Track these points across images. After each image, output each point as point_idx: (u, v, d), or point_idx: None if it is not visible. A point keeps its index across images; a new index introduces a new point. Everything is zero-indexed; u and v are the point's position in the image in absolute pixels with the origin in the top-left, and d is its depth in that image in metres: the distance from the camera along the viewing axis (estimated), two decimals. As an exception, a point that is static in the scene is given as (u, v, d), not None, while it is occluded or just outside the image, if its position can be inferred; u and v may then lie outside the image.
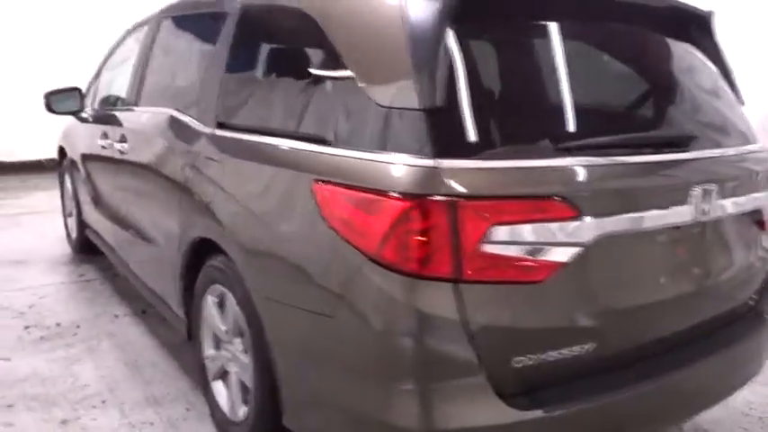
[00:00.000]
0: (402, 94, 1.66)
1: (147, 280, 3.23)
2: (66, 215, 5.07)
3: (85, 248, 4.70)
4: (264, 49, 2.41)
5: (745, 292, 2.27)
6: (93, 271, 4.51)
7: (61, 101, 4.21)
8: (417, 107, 1.62)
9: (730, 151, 2.09)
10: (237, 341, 2.32)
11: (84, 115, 4.24)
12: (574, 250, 1.65)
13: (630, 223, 1.75)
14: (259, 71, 2.37)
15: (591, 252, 1.68)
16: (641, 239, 1.82)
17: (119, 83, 3.80)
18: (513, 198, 1.62)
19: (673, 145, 1.92)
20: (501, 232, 1.58)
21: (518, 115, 1.78)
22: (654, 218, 1.79)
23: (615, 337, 1.85)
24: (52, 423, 2.60)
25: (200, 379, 2.64)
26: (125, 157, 3.26)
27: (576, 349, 1.75)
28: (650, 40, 2.14)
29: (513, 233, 1.59)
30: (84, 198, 4.31)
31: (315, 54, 2.09)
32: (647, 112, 2.08)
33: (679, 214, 1.85)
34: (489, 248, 1.58)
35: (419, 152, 1.60)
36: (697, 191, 1.87)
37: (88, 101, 4.29)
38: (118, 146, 3.35)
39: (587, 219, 1.66)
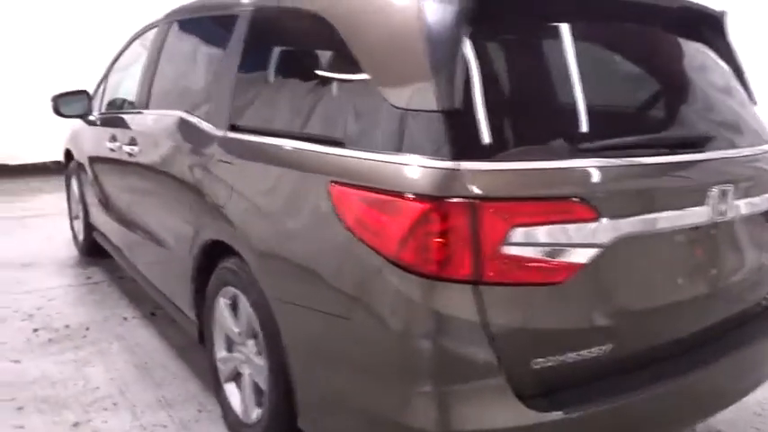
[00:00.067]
0: (420, 96, 1.66)
1: (157, 282, 3.23)
2: (72, 218, 5.07)
3: (92, 251, 4.70)
4: (277, 51, 2.41)
5: (758, 292, 2.27)
6: (101, 273, 4.51)
7: (69, 104, 4.21)
8: (436, 109, 1.62)
9: (745, 151, 2.09)
10: (251, 343, 2.31)
11: (91, 118, 4.24)
12: (593, 251, 1.65)
13: (649, 224, 1.74)
14: (272, 74, 2.36)
15: (609, 253, 1.68)
16: (659, 240, 1.81)
17: (127, 86, 3.81)
18: (532, 199, 1.61)
19: (690, 145, 1.92)
20: (521, 234, 1.57)
21: (536, 117, 1.77)
22: (672, 218, 1.79)
23: (631, 338, 1.84)
24: (63, 426, 2.59)
25: (213, 381, 2.63)
26: (135, 159, 3.26)
27: (594, 350, 1.74)
28: (664, 41, 2.14)
29: (533, 235, 1.58)
30: (92, 200, 4.31)
31: (330, 57, 2.08)
32: (664, 112, 2.07)
33: (697, 215, 1.85)
34: (509, 250, 1.57)
35: (438, 154, 1.59)
36: (714, 191, 1.86)
37: (95, 104, 4.29)
38: (127, 148, 3.35)
39: (606, 220, 1.66)
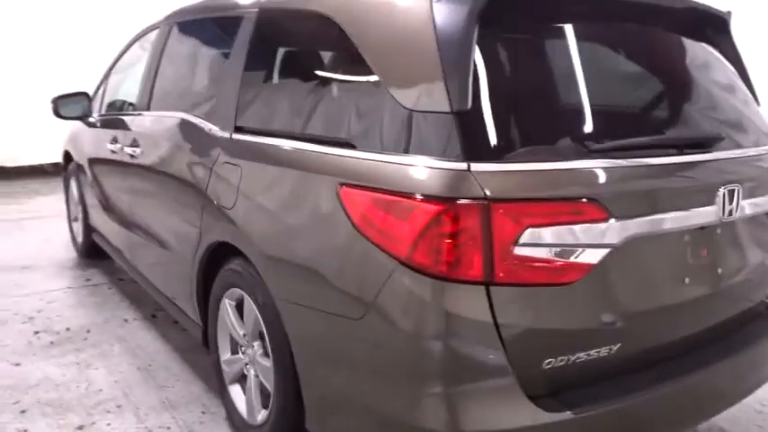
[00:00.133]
0: (432, 97, 1.66)
1: (160, 284, 3.22)
2: (71, 220, 5.05)
3: (91, 253, 4.69)
4: (284, 53, 2.41)
5: (760, 292, 2.28)
6: (100, 275, 4.49)
7: (69, 106, 4.20)
8: (448, 110, 1.62)
9: (750, 151, 2.10)
10: (257, 344, 2.31)
11: (91, 120, 4.22)
12: (603, 252, 1.66)
13: (659, 224, 1.75)
14: (279, 76, 2.36)
15: (620, 253, 1.68)
16: (667, 240, 1.82)
17: (128, 87, 3.80)
18: (543, 200, 1.62)
19: (698, 146, 1.93)
20: (533, 234, 1.57)
21: (547, 118, 1.78)
22: (681, 219, 1.80)
23: (639, 337, 1.85)
24: (67, 428, 2.58)
25: (217, 383, 2.63)
26: (137, 161, 3.25)
27: (603, 350, 1.75)
28: (671, 42, 2.15)
29: (545, 235, 1.59)
30: (92, 202, 4.29)
31: (338, 59, 2.08)
32: (672, 113, 2.08)
33: (705, 215, 1.85)
34: (521, 251, 1.58)
35: (450, 155, 1.59)
36: (722, 191, 1.87)
37: (95, 105, 4.28)
38: (129, 150, 3.33)
39: (617, 220, 1.66)
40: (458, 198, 1.55)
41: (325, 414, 2.01)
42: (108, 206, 3.92)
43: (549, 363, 1.68)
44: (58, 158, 5.25)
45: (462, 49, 1.67)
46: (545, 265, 1.61)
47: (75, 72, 7.51)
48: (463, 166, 1.57)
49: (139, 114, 3.39)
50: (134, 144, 3.30)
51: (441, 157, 1.61)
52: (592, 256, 1.65)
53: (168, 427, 2.59)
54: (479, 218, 1.55)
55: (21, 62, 8.11)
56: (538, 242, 1.58)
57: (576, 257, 1.63)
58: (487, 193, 1.56)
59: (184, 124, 2.82)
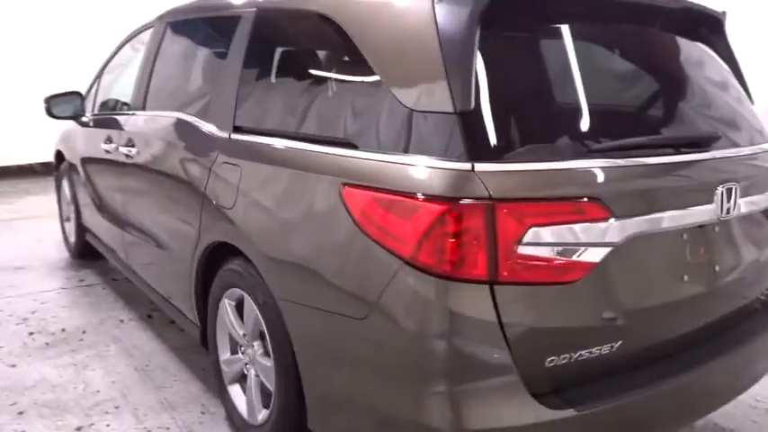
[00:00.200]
0: (435, 98, 1.67)
1: (156, 284, 3.22)
2: (63, 220, 5.02)
3: (84, 253, 4.67)
4: (283, 52, 2.40)
5: (757, 289, 2.30)
6: (93, 276, 4.48)
7: (62, 105, 4.18)
8: (452, 111, 1.63)
9: (746, 150, 2.13)
10: (257, 344, 2.31)
11: (84, 119, 4.20)
12: (606, 250, 1.67)
13: (659, 223, 1.77)
14: (278, 75, 2.36)
15: (621, 252, 1.70)
16: (667, 239, 1.84)
17: (122, 87, 3.78)
18: (547, 200, 1.63)
19: (696, 145, 1.95)
20: (536, 234, 1.59)
21: (548, 118, 1.79)
22: (681, 217, 1.82)
23: (639, 335, 1.87)
24: (66, 430, 2.58)
25: (216, 383, 2.63)
26: (132, 161, 3.23)
27: (604, 348, 1.77)
28: (669, 42, 2.17)
29: (548, 234, 1.60)
30: (85, 202, 4.27)
31: (339, 59, 2.09)
32: (671, 113, 2.09)
33: (704, 213, 1.88)
34: (524, 250, 1.59)
35: (453, 155, 1.60)
36: (721, 190, 1.90)
37: (88, 105, 4.25)
38: (124, 150, 3.32)
39: (618, 219, 1.68)
40: (462, 198, 1.56)
41: (328, 413, 2.02)
42: (102, 206, 3.90)
43: (552, 361, 1.69)
44: (48, 158, 5.23)
45: (465, 49, 1.68)
46: (548, 264, 1.62)
47: (64, 71, 7.47)
48: (467, 166, 1.59)
49: (134, 114, 3.38)
50: (129, 144, 3.28)
51: (444, 157, 1.62)
52: (594, 255, 1.66)
53: (168, 428, 2.58)
54: (484, 218, 1.56)
55: (9, 62, 8.04)
56: (541, 241, 1.60)
57: (579, 256, 1.64)
58: (491, 193, 1.57)
59: (181, 124, 2.82)
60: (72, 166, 4.49)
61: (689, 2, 2.19)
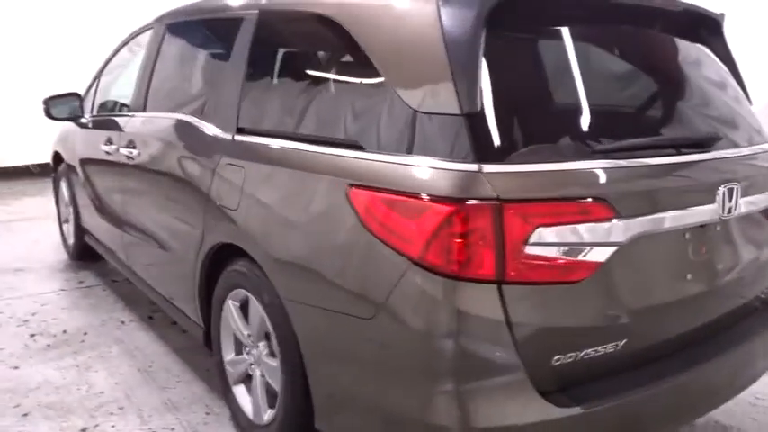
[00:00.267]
0: (442, 100, 1.69)
1: (158, 285, 3.22)
2: (61, 221, 5.01)
3: (83, 255, 4.67)
4: (287, 54, 2.43)
5: (758, 287, 2.33)
6: (93, 277, 4.48)
7: (60, 106, 4.18)
8: (458, 113, 1.65)
9: (746, 150, 2.15)
10: (262, 345, 2.33)
11: (83, 121, 4.20)
12: (611, 250, 1.70)
13: (663, 222, 1.80)
14: (282, 77, 2.37)
15: (626, 251, 1.73)
16: (670, 238, 1.87)
17: (122, 89, 3.78)
18: (553, 200, 1.65)
19: (698, 145, 1.98)
20: (543, 234, 1.61)
21: (553, 120, 1.82)
22: (684, 217, 1.85)
23: (644, 333, 1.89)
24: (71, 431, 2.59)
25: (221, 383, 2.64)
26: (134, 162, 3.24)
27: (610, 346, 1.79)
28: (670, 44, 2.20)
29: (555, 234, 1.62)
30: (84, 203, 4.27)
31: (344, 60, 2.10)
32: (674, 114, 2.12)
33: (707, 213, 1.90)
34: (531, 250, 1.61)
35: (460, 157, 1.62)
36: (722, 190, 1.92)
37: (86, 106, 4.25)
38: (125, 151, 3.33)
39: (623, 219, 1.70)
40: (470, 199, 1.58)
41: (335, 412, 2.04)
42: (102, 207, 3.90)
43: (559, 359, 1.71)
44: (45, 159, 5.22)
45: (470, 51, 1.70)
46: (554, 263, 1.64)
47: (59, 73, 7.46)
48: (474, 167, 1.61)
49: (135, 116, 3.38)
50: (130, 145, 3.29)
51: (452, 158, 1.64)
52: (599, 255, 1.68)
53: (172, 428, 2.60)
54: (491, 218, 1.59)
55: (4, 63, 8.02)
56: (547, 241, 1.62)
57: (585, 256, 1.67)
58: (498, 193, 1.59)
59: (184, 125, 2.83)
60: (70, 168, 4.49)
61: (689, 4, 2.22)
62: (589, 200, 1.68)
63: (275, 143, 2.21)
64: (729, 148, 2.07)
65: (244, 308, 2.42)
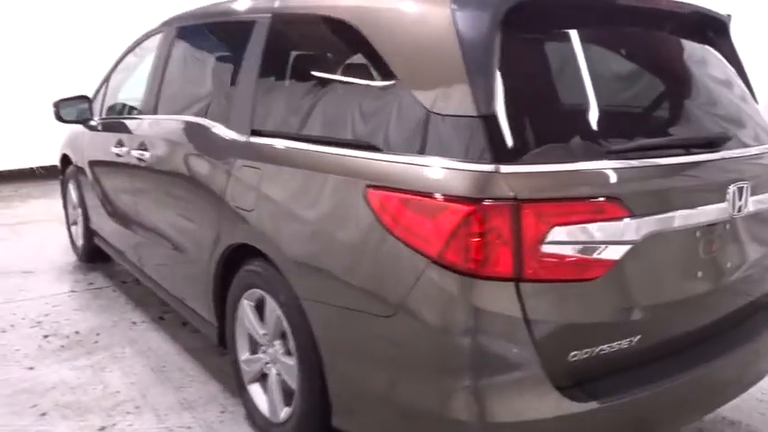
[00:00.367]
0: (458, 102, 1.73)
1: (170, 286, 3.26)
2: (69, 224, 5.05)
3: (92, 257, 4.71)
4: (301, 57, 2.46)
5: (763, 284, 2.36)
6: (102, 279, 4.51)
7: (70, 109, 4.21)
8: (475, 114, 1.69)
9: (753, 150, 2.19)
10: (278, 344, 2.36)
11: (92, 123, 4.23)
12: (625, 248, 1.73)
13: (676, 221, 1.83)
14: (296, 79, 2.40)
15: (639, 249, 1.76)
16: (682, 236, 1.90)
17: (131, 91, 3.82)
18: (569, 200, 1.69)
19: (709, 145, 2.01)
20: (559, 233, 1.65)
21: (567, 120, 1.86)
22: (696, 215, 1.88)
23: (657, 330, 1.93)
24: (89, 430, 2.62)
25: (236, 382, 2.67)
26: (146, 164, 3.27)
27: (624, 342, 1.83)
28: (680, 46, 2.24)
29: (571, 233, 1.66)
30: (93, 205, 4.30)
31: (360, 63, 2.13)
32: (684, 115, 2.16)
33: (718, 211, 1.94)
34: (548, 248, 1.65)
35: (479, 158, 1.66)
36: (732, 189, 1.96)
37: (95, 109, 4.28)
38: (136, 153, 3.36)
39: (637, 218, 1.74)
40: (489, 198, 1.62)
41: (353, 409, 2.07)
42: (112, 209, 3.94)
43: (575, 355, 1.75)
44: (50, 162, 5.24)
45: (485, 54, 1.74)
46: (570, 261, 1.68)
47: (64, 76, 7.49)
48: (492, 168, 1.64)
49: (147, 118, 3.42)
50: (142, 147, 3.32)
51: (469, 159, 1.68)
52: (614, 253, 1.72)
53: (189, 427, 2.63)
54: (509, 217, 1.62)
55: (9, 66, 8.06)
56: (565, 240, 1.66)
57: (599, 254, 1.70)
58: (516, 193, 1.63)
59: (197, 127, 2.86)
60: (79, 170, 4.52)
61: (696, 6, 2.26)
62: (602, 199, 1.72)
63: (291, 145, 2.25)
64: (738, 147, 2.11)
65: (259, 307, 2.45)
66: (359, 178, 1.91)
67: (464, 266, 1.65)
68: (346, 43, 2.18)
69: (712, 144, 2.02)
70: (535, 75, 1.87)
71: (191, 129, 2.93)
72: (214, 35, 3.15)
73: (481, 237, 1.63)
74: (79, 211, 4.68)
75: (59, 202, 5.29)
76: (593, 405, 1.73)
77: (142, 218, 3.47)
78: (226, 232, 2.55)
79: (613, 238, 1.71)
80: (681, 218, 1.85)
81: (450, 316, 1.68)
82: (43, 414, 2.74)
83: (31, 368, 3.16)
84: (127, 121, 3.70)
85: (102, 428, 2.63)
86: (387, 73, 1.94)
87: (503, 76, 1.74)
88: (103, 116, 4.17)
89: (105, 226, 4.15)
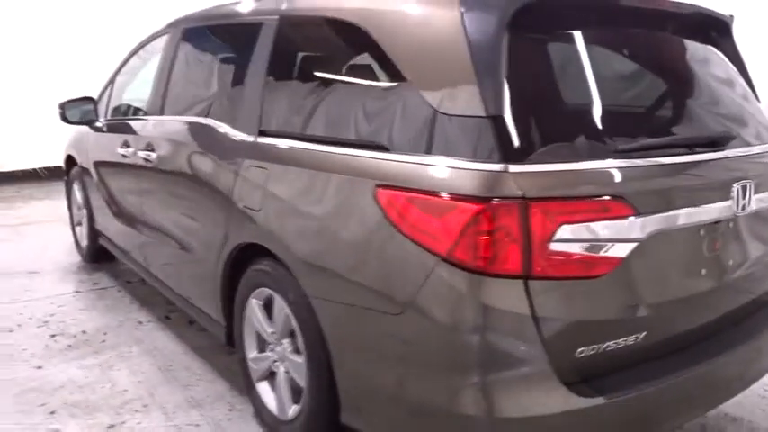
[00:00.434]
0: (467, 102, 1.76)
1: (177, 286, 3.28)
2: (74, 224, 5.07)
3: (97, 257, 4.73)
4: (308, 58, 2.49)
5: (765, 282, 2.39)
6: (107, 279, 4.54)
7: (76, 110, 4.24)
8: (483, 115, 1.72)
9: (756, 149, 2.22)
10: (286, 342, 2.39)
11: (98, 124, 4.26)
12: (631, 246, 1.76)
13: (681, 219, 1.86)
14: (304, 80, 2.43)
15: (645, 247, 1.79)
16: (686, 234, 1.93)
17: (137, 92, 3.85)
18: (577, 199, 1.72)
19: (713, 144, 2.04)
20: (567, 231, 1.68)
21: (574, 120, 1.88)
22: (700, 213, 1.91)
23: (662, 327, 1.96)
24: (98, 428, 2.65)
25: (244, 380, 2.70)
26: (152, 165, 3.30)
27: (630, 339, 1.86)
28: (685, 47, 2.27)
29: (578, 231, 1.69)
30: (99, 205, 4.33)
31: (368, 64, 2.16)
32: (689, 114, 2.19)
33: (722, 210, 1.97)
34: (556, 246, 1.68)
35: (488, 158, 1.69)
36: (737, 187, 1.99)
37: (101, 110, 4.31)
38: (143, 154, 3.39)
39: (643, 216, 1.77)
40: (498, 197, 1.65)
41: (362, 406, 2.10)
42: (118, 210, 3.96)
43: (582, 351, 1.78)
44: (52, 163, 5.26)
45: (494, 55, 1.77)
46: (577, 259, 1.71)
47: (66, 77, 7.52)
48: (500, 167, 1.67)
49: (152, 119, 3.44)
50: (148, 148, 3.35)
51: (478, 159, 1.70)
52: (620, 251, 1.75)
53: (197, 425, 2.66)
54: (518, 216, 1.65)
55: (11, 68, 8.08)
56: (572, 238, 1.69)
57: (606, 252, 1.73)
58: (524, 192, 1.66)
59: (204, 128, 2.89)
60: (84, 171, 4.54)
61: (699, 7, 2.29)
62: (608, 198, 1.74)
63: (299, 145, 2.28)
64: (741, 146, 2.14)
65: (267, 306, 2.48)
66: (368, 178, 1.94)
67: (473, 264, 1.68)
68: (354, 45, 2.21)
69: (716, 143, 2.05)
70: (541, 75, 1.90)
71: (198, 129, 2.95)
72: (221, 37, 3.18)
73: (490, 235, 1.65)
74: (84, 211, 4.70)
75: (62, 202, 5.32)
76: (599, 400, 1.75)
77: (148, 218, 3.50)
78: (234, 232, 2.58)
79: (619, 237, 1.74)
80: (685, 216, 1.88)
81: (460, 313, 1.71)
82: (52, 412, 2.76)
83: (40, 367, 3.19)
84: (133, 123, 3.72)
85: (112, 426, 2.65)
86: (395, 74, 1.97)
87: (510, 76, 1.77)
88: (109, 117, 4.20)
89: (111, 226, 4.18)
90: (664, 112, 2.16)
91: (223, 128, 2.73)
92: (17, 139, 8.00)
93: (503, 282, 1.68)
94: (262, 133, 2.50)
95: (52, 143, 5.52)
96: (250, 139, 2.53)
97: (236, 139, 2.62)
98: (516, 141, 1.72)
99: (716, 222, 2.00)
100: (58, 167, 5.22)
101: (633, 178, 1.81)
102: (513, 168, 1.67)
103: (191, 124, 3.02)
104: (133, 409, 2.79)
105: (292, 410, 2.39)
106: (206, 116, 2.91)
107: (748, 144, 2.18)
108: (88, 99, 4.31)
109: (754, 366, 2.28)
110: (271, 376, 2.55)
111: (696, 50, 2.30)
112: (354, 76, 2.22)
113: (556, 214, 1.68)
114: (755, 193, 2.09)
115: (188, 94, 3.23)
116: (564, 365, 1.75)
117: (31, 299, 4.14)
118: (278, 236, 2.29)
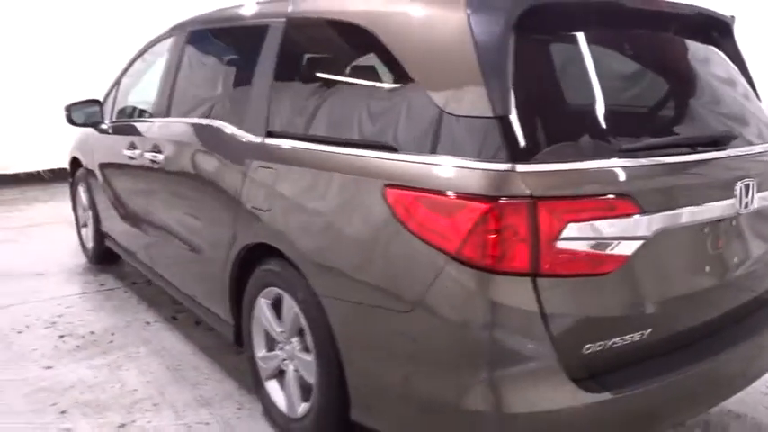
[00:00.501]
0: (475, 103, 1.79)
1: (184, 286, 3.31)
2: (79, 226, 5.10)
3: (103, 259, 4.76)
4: (315, 60, 2.53)
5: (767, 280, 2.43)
6: (113, 280, 4.57)
7: (82, 112, 4.27)
8: (491, 115, 1.75)
9: (758, 148, 2.25)
10: (295, 340, 2.42)
11: (103, 126, 4.29)
12: (637, 244, 1.79)
13: (685, 217, 1.90)
14: (311, 82, 2.46)
15: (650, 245, 1.82)
16: (690, 232, 1.97)
17: (143, 94, 3.88)
18: (583, 197, 1.75)
19: (716, 143, 2.08)
20: (574, 229, 1.71)
21: (580, 120, 1.91)
22: (704, 211, 1.95)
23: (667, 323, 1.99)
24: (109, 427, 2.68)
25: (253, 379, 2.73)
26: (159, 166, 3.33)
27: (636, 335, 1.89)
28: (687, 47, 2.30)
29: (585, 230, 1.72)
30: (104, 207, 4.36)
31: (375, 66, 2.19)
32: (692, 114, 2.23)
33: (725, 208, 2.01)
34: (563, 244, 1.71)
35: (496, 157, 1.72)
36: (740, 186, 2.02)
37: (106, 112, 4.34)
38: (149, 155, 3.42)
39: (649, 214, 1.80)
40: (506, 197, 1.68)
41: (371, 403, 2.13)
42: (125, 211, 3.99)
43: (589, 348, 1.81)
44: (56, 165, 5.28)
45: (500, 56, 1.80)
46: (584, 256, 1.74)
47: (70, 81, 7.56)
48: (508, 166, 1.71)
49: (160, 121, 3.47)
50: (155, 150, 3.38)
51: (486, 158, 1.74)
52: (626, 248, 1.78)
53: (207, 423, 2.69)
54: (526, 214, 1.68)
55: (15, 71, 8.12)
56: (579, 236, 1.72)
57: (612, 249, 1.77)
58: (532, 191, 1.69)
59: (211, 130, 2.92)
60: (89, 173, 4.57)
61: (701, 8, 2.32)
62: (614, 196, 1.77)
63: (307, 146, 2.31)
64: (743, 145, 2.17)
65: (276, 305, 2.51)
66: (377, 178, 1.97)
67: (482, 262, 1.71)
68: (361, 47, 2.24)
69: (718, 142, 2.08)
70: (547, 76, 1.93)
71: (205, 131, 2.99)
72: (227, 39, 3.21)
73: (499, 233, 1.69)
74: (89, 213, 4.73)
75: (66, 205, 5.35)
76: (606, 396, 1.78)
77: (155, 219, 3.53)
78: (242, 232, 2.61)
79: (625, 234, 1.77)
80: (689, 214, 1.91)
81: (469, 310, 1.74)
82: (63, 412, 2.79)
83: (49, 367, 3.22)
84: (138, 124, 3.75)
85: (122, 425, 2.68)
86: (403, 76, 2.00)
87: (516, 77, 1.80)
88: (114, 119, 4.23)
89: (117, 227, 4.21)
90: (667, 112, 2.20)
91: (231, 129, 2.76)
92: (20, 141, 8.03)
93: (511, 279, 1.71)
94: (270, 134, 2.53)
95: (55, 145, 5.53)
96: (258, 140, 2.57)
97: (243, 140, 2.65)
98: (523, 141, 1.75)
99: (719, 220, 2.03)
100: (62, 170, 5.24)
101: (638, 177, 1.84)
102: (521, 168, 1.71)
103: (197, 126, 3.06)
104: (143, 408, 2.82)
105: (302, 408, 2.42)
106: (213, 118, 2.94)
107: (750, 143, 2.21)
108: (94, 101, 4.34)
109: (756, 363, 2.31)
110: (280, 375, 2.58)
111: (698, 51, 2.34)
112: (362, 78, 2.25)
113: (563, 213, 1.71)
114: (758, 191, 2.12)
115: (195, 96, 3.26)
116: (571, 362, 1.79)
117: (38, 300, 4.18)
118: (287, 236, 2.32)
